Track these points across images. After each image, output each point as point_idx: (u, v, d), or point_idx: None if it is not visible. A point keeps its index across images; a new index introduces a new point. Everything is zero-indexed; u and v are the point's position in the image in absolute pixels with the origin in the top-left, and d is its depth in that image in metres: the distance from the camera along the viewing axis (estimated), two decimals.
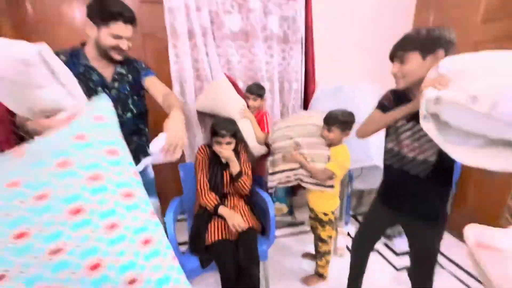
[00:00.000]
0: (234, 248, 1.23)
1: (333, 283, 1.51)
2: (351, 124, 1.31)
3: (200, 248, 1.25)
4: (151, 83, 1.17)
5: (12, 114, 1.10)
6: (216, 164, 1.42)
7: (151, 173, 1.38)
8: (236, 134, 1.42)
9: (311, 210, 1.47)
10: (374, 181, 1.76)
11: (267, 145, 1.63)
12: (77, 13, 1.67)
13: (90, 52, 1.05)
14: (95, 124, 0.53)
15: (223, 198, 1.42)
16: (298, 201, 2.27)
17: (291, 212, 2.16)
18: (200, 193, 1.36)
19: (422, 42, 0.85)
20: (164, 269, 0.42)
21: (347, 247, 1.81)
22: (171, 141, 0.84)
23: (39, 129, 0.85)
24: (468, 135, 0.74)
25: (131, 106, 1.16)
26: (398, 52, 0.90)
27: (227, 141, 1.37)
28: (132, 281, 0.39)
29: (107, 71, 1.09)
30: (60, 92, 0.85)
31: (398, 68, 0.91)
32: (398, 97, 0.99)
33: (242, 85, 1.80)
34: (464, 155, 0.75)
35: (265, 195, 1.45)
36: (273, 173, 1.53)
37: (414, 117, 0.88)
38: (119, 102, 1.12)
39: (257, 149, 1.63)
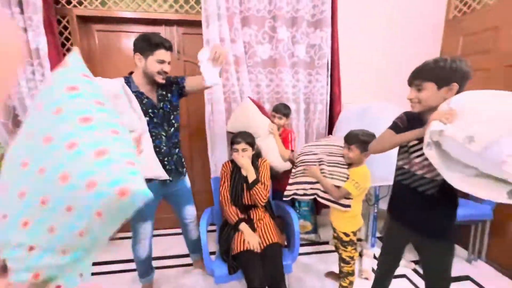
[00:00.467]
0: (258, 259, 1.30)
1: None
2: None
3: (227, 256, 1.34)
4: (190, 78, 1.43)
5: None
6: (237, 177, 1.52)
7: (188, 183, 1.56)
8: (252, 144, 1.52)
9: (334, 229, 1.50)
10: None
11: (292, 162, 1.72)
12: (131, 46, 1.98)
13: (138, 79, 1.28)
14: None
15: (247, 211, 1.51)
16: (322, 220, 2.28)
17: (315, 231, 2.17)
18: (223, 206, 1.47)
19: (439, 74, 0.92)
20: (117, 172, 0.47)
21: (373, 270, 1.77)
22: (216, 49, 1.18)
23: None
24: (465, 165, 0.82)
25: (173, 121, 1.38)
26: (416, 80, 0.98)
27: (242, 148, 1.48)
28: (90, 185, 0.45)
29: (152, 95, 1.31)
30: (133, 116, 1.11)
31: (415, 94, 0.99)
32: (412, 119, 1.06)
33: (269, 107, 1.95)
34: (458, 181, 0.84)
35: (290, 210, 1.53)
36: (292, 184, 1.56)
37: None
38: (165, 119, 1.34)
39: (281, 165, 1.72)
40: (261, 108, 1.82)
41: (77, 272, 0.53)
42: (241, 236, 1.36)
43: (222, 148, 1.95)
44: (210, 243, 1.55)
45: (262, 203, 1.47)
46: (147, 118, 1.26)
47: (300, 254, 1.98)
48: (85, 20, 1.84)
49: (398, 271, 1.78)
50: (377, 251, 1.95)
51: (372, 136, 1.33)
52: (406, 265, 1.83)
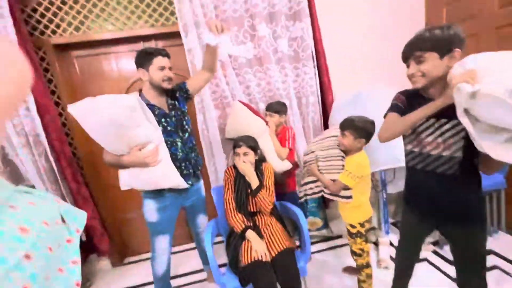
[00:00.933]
0: (269, 268, 1.23)
1: None
2: (367, 133, 1.25)
3: (237, 268, 1.29)
4: (190, 79, 1.48)
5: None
6: (241, 182, 1.46)
7: (203, 191, 1.58)
8: (254, 148, 1.47)
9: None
10: None
11: (293, 161, 1.67)
12: (114, 67, 1.95)
13: (148, 93, 1.33)
14: None
15: (253, 217, 1.45)
16: (332, 213, 2.22)
17: (326, 226, 2.12)
18: (228, 214, 1.42)
19: (438, 42, 0.86)
20: None
21: (391, 258, 1.71)
22: (211, 24, 1.21)
23: (136, 160, 1.18)
24: (495, 130, 0.74)
25: (186, 126, 1.42)
26: (414, 52, 0.90)
27: (244, 152, 1.43)
28: None
29: (163, 105, 1.36)
30: (149, 128, 1.16)
31: (416, 68, 0.91)
32: (411, 97, 1.00)
33: (263, 106, 1.90)
34: (491, 148, 0.74)
35: (297, 210, 1.47)
36: (302, 185, 1.59)
37: (433, 114, 0.87)
38: (178, 126, 1.37)
39: (279, 165, 1.67)
40: (252, 109, 1.78)
41: None
42: (249, 245, 1.31)
43: (220, 156, 1.91)
44: (222, 255, 1.50)
45: (268, 210, 1.41)
46: (161, 128, 1.28)
47: (314, 252, 1.93)
48: (62, 48, 1.82)
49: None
50: (392, 237, 1.89)
51: (369, 123, 1.26)
52: (425, 247, 1.77)
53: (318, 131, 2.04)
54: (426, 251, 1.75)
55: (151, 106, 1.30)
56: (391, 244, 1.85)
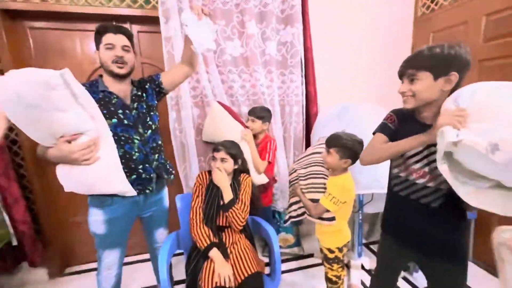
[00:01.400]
0: None
1: None
2: (355, 153, 1.15)
3: None
4: (165, 72, 1.30)
5: None
6: (213, 191, 1.30)
7: (166, 202, 1.35)
8: (235, 156, 1.31)
9: (319, 242, 1.34)
10: None
11: (270, 176, 1.54)
12: (77, 46, 1.70)
13: (107, 79, 1.13)
14: None
15: (221, 232, 1.29)
16: (305, 229, 2.12)
17: (298, 243, 2.00)
18: (193, 225, 1.24)
19: (435, 62, 0.79)
20: None
21: (362, 283, 1.63)
22: (197, 8, 1.08)
23: (60, 155, 0.93)
24: (477, 176, 0.69)
25: (149, 123, 1.20)
26: (408, 70, 0.84)
27: (221, 157, 1.28)
28: None
29: (124, 94, 1.15)
30: (82, 116, 0.92)
31: (408, 86, 0.84)
32: (403, 118, 0.93)
33: (246, 110, 1.75)
34: (471, 195, 0.70)
35: (269, 228, 1.33)
36: (287, 207, 1.47)
37: None
38: (139, 121, 1.16)
39: (255, 178, 1.51)
40: (232, 112, 1.63)
41: None
42: (211, 267, 1.13)
43: (193, 160, 1.71)
44: (182, 269, 1.29)
45: (239, 227, 1.25)
46: (115, 120, 1.07)
47: (284, 271, 1.80)
48: (13, 15, 1.53)
49: None
50: (364, 260, 1.83)
51: (358, 142, 1.16)
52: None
53: (299, 143, 1.93)
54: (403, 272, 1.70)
55: (108, 94, 1.10)
56: (362, 267, 1.78)
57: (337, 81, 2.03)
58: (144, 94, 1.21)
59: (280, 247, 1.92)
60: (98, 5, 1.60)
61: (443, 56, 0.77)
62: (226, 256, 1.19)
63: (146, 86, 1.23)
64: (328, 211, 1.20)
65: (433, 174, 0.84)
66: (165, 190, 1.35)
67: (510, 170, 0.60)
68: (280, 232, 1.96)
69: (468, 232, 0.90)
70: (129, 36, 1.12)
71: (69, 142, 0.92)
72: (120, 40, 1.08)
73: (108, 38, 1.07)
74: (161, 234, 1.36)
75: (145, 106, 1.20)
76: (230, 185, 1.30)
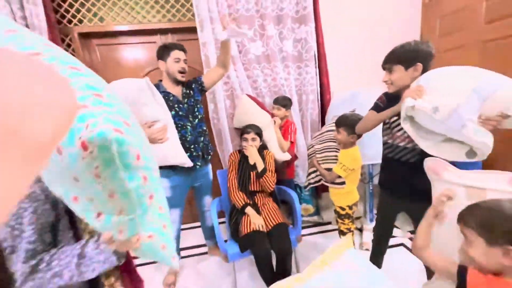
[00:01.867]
0: (265, 237, 1.44)
1: None
2: None
3: (237, 237, 1.50)
4: (205, 74, 1.69)
5: None
6: (244, 165, 1.68)
7: (211, 175, 1.78)
8: (260, 135, 1.68)
9: (334, 205, 1.65)
10: None
11: (292, 153, 1.88)
12: (130, 56, 2.12)
13: (165, 82, 1.55)
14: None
15: (253, 196, 1.66)
16: (324, 202, 2.43)
17: (317, 213, 2.33)
18: (230, 191, 1.63)
19: (404, 57, 1.06)
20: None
21: (372, 241, 1.92)
22: (224, 19, 1.44)
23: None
24: (433, 133, 0.97)
25: (197, 113, 1.60)
26: (386, 64, 1.13)
27: (252, 137, 1.65)
28: (59, 150, 0.40)
29: (178, 93, 1.56)
30: (157, 108, 1.31)
31: (387, 77, 1.13)
32: (390, 98, 1.21)
33: (269, 100, 2.09)
34: (430, 148, 0.99)
35: (293, 194, 1.68)
36: (307, 176, 1.82)
37: None
38: (189, 112, 1.56)
39: (280, 155, 1.87)
40: (258, 102, 1.96)
41: (145, 226, 0.55)
42: (248, 219, 1.52)
43: (227, 143, 2.09)
44: (223, 233, 1.72)
45: (271, 189, 1.63)
46: (173, 112, 1.47)
47: (306, 235, 2.14)
48: (85, 36, 1.98)
49: (396, 241, 1.95)
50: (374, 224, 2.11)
51: (360, 119, 1.45)
52: (404, 235, 1.99)
53: (315, 126, 2.23)
54: (403, 238, 1.97)
55: (166, 93, 1.49)
56: (373, 230, 2.07)
57: (347, 72, 2.28)
58: (191, 92, 1.60)
59: (302, 215, 2.27)
60: (146, 22, 2.00)
61: (410, 51, 1.04)
62: (258, 213, 1.57)
63: (193, 86, 1.61)
64: (339, 177, 1.51)
65: (410, 138, 1.11)
66: (209, 166, 1.75)
67: (447, 125, 0.88)
68: (302, 203, 2.29)
69: None
70: (185, 52, 1.52)
71: (149, 127, 1.33)
72: (183, 55, 1.49)
73: (176, 53, 1.47)
74: (207, 200, 1.79)
75: (192, 101, 1.59)
76: None
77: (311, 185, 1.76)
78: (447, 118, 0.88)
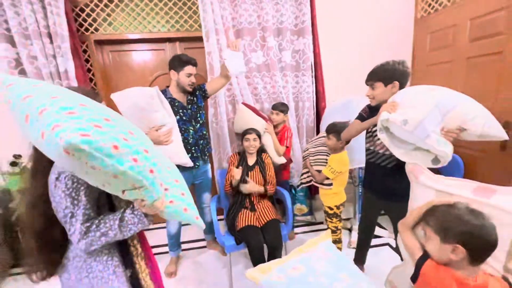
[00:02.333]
0: (259, 231, 1.59)
1: None
2: None
3: (234, 231, 1.65)
4: (209, 83, 1.84)
5: None
6: (243, 165, 1.83)
7: (210, 174, 1.93)
8: (260, 136, 1.85)
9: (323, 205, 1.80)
10: None
11: (287, 157, 2.04)
12: (141, 62, 2.29)
13: (172, 90, 1.69)
14: None
15: (249, 194, 1.80)
16: (317, 203, 2.57)
17: (311, 213, 2.47)
18: (226, 183, 1.79)
19: (384, 75, 1.22)
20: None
21: None
22: (231, 43, 1.65)
23: (152, 138, 1.51)
24: (405, 142, 1.12)
25: (199, 119, 1.76)
26: (369, 82, 1.28)
27: (253, 137, 1.81)
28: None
29: (183, 100, 1.71)
30: (165, 114, 1.47)
31: (370, 92, 1.29)
32: (373, 110, 1.36)
33: (267, 106, 2.24)
34: (402, 155, 1.13)
35: (286, 193, 1.83)
36: (300, 175, 1.97)
37: None
38: (193, 117, 1.72)
39: (276, 159, 2.01)
40: (254, 110, 2.11)
41: (159, 193, 0.68)
42: (244, 215, 1.67)
43: (225, 146, 2.24)
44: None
45: (272, 194, 1.82)
46: (178, 117, 1.63)
47: (299, 233, 2.28)
48: (100, 43, 2.15)
49: (381, 241, 2.08)
50: None
51: (346, 127, 1.61)
52: (389, 235, 2.12)
53: (310, 132, 2.38)
54: (389, 238, 2.10)
55: (172, 99, 1.64)
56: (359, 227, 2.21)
57: (342, 81, 2.43)
58: (195, 99, 1.76)
59: (296, 215, 2.42)
60: (157, 31, 2.17)
61: (388, 70, 1.20)
62: (253, 209, 1.71)
63: (196, 93, 1.77)
64: (327, 178, 1.66)
65: None
66: (208, 165, 1.91)
67: (415, 135, 1.03)
68: (296, 203, 2.44)
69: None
70: (197, 66, 1.67)
71: (157, 130, 1.48)
72: (194, 70, 1.64)
73: (189, 69, 1.62)
74: (207, 196, 1.94)
75: (196, 107, 1.74)
76: (256, 161, 1.82)
77: (303, 185, 1.90)
78: (414, 129, 1.03)
